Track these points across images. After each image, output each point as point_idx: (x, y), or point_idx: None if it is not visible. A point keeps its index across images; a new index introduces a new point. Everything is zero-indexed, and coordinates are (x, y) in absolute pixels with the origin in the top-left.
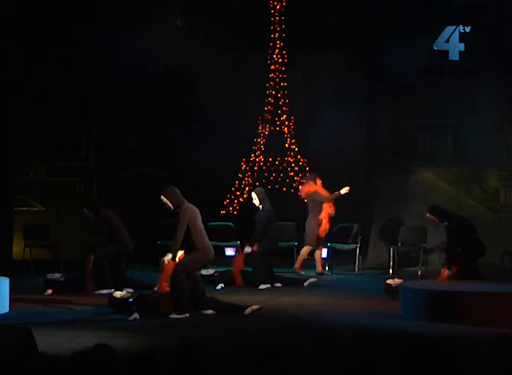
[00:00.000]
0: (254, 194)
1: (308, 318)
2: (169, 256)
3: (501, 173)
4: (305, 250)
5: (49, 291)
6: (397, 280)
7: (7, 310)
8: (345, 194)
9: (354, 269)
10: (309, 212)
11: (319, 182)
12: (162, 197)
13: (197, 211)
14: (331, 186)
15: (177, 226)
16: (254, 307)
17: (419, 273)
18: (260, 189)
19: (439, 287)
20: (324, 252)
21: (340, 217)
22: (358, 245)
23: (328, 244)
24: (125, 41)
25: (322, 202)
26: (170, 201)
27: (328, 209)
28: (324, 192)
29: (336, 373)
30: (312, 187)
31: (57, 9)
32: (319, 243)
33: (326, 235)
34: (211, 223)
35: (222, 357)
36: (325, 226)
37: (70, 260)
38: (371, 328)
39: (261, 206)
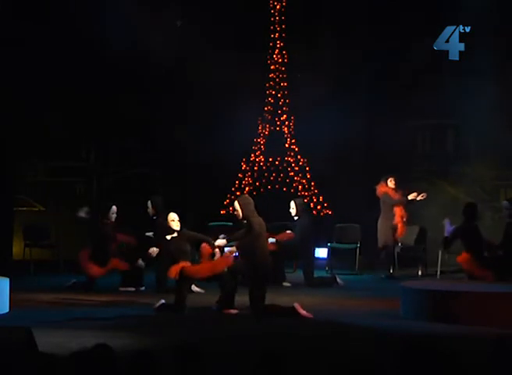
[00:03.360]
0: (293, 204)
1: (308, 318)
2: (224, 242)
3: (501, 173)
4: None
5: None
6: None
7: (7, 310)
8: (412, 200)
9: (354, 269)
10: (381, 212)
11: (392, 183)
12: (236, 203)
13: (264, 227)
14: (331, 186)
15: (246, 234)
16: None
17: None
18: (300, 200)
19: (439, 287)
20: (324, 252)
21: (340, 217)
22: (358, 245)
23: (329, 244)
24: (125, 41)
25: (393, 205)
26: (242, 210)
27: (399, 212)
28: (393, 194)
29: (337, 373)
30: (383, 188)
31: (56, 9)
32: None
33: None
34: (211, 223)
35: (222, 357)
36: (400, 230)
37: (70, 260)
38: (371, 328)
39: (296, 217)
